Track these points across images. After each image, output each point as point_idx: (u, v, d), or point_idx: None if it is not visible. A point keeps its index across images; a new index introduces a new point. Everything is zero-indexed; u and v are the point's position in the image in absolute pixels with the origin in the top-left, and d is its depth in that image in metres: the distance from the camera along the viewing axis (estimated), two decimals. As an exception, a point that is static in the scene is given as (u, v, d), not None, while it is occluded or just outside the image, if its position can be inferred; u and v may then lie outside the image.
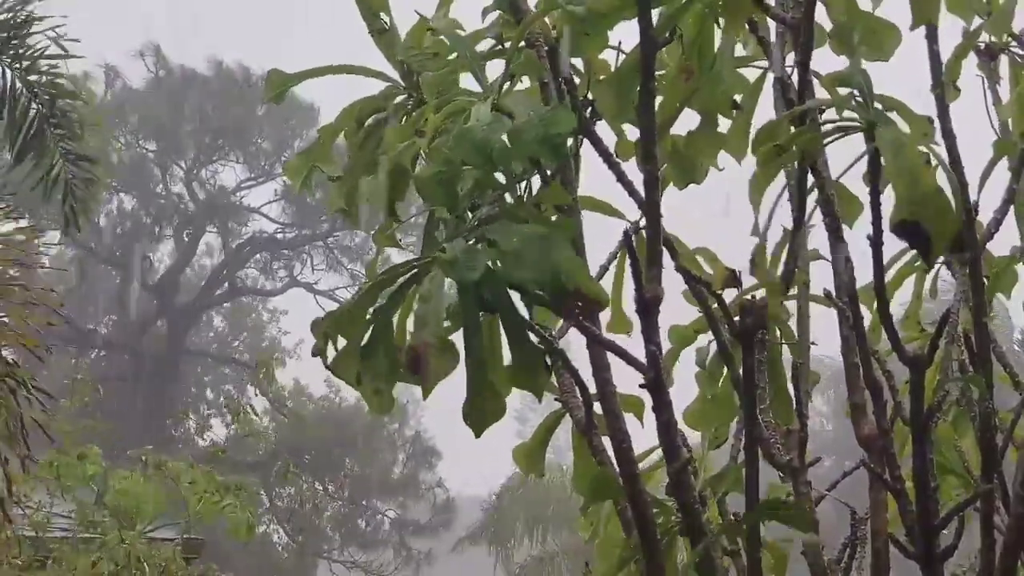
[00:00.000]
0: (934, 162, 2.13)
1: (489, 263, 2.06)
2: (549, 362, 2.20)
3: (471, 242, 2.10)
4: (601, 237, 2.68)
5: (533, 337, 2.14)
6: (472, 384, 2.13)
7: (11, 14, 11.30)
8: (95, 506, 11.17)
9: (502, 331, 2.14)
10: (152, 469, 11.87)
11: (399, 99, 2.69)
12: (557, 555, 32.65)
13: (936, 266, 3.08)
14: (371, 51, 2.78)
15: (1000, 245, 2.93)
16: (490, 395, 2.14)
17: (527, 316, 2.18)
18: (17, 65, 11.31)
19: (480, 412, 2.14)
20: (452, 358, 2.06)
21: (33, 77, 11.34)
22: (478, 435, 2.17)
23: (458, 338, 2.14)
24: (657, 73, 2.37)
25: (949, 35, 2.81)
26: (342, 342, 2.20)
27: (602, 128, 2.67)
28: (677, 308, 2.74)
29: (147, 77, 43.81)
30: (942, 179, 2.12)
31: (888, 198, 2.15)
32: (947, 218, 2.07)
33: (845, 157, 2.40)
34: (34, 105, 11.23)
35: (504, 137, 2.12)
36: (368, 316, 2.18)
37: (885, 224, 2.28)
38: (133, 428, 37.66)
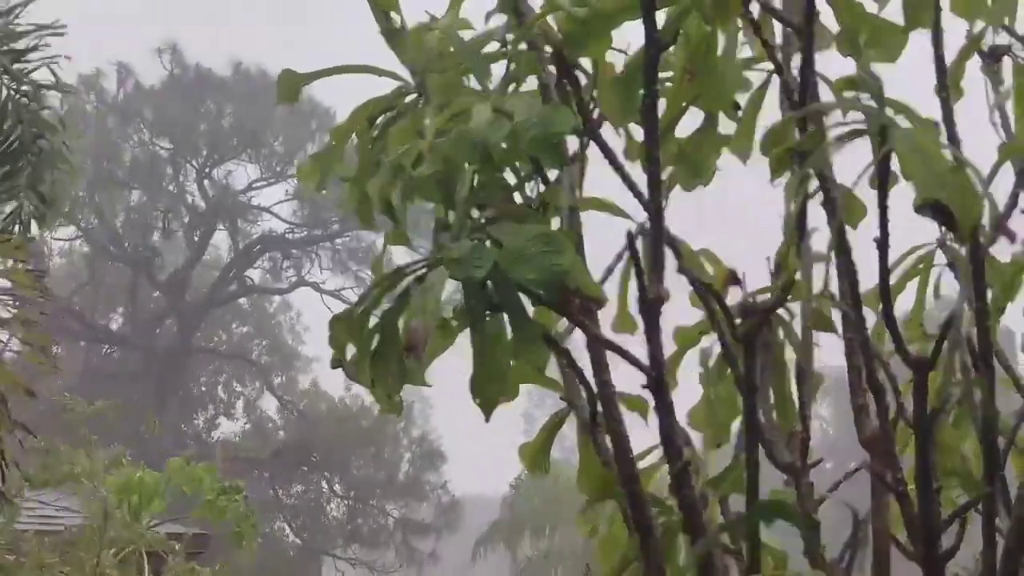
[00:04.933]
0: (949, 155, 2.14)
1: (494, 261, 2.08)
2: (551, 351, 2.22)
3: (475, 241, 2.12)
4: (611, 237, 2.69)
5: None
6: (478, 360, 2.14)
7: (15, 41, 11.27)
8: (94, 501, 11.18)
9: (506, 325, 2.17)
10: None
11: (410, 99, 2.70)
12: (563, 550, 32.64)
13: (939, 269, 3.08)
14: (389, 54, 2.79)
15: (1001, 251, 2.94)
16: (496, 369, 2.15)
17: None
18: (15, 87, 11.30)
19: (487, 387, 2.16)
20: (448, 336, 2.08)
21: (27, 103, 11.31)
22: (488, 415, 2.19)
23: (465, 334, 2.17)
24: (662, 75, 2.39)
25: (950, 40, 2.82)
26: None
27: (609, 129, 2.68)
28: (683, 309, 2.75)
29: (163, 75, 43.91)
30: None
31: (897, 197, 2.17)
32: (970, 193, 2.07)
33: (845, 159, 2.41)
34: (19, 129, 11.20)
35: (503, 136, 2.14)
36: (376, 320, 2.20)
37: (890, 227, 2.30)
38: (141, 424, 37.72)
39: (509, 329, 2.17)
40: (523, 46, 2.40)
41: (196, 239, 45.19)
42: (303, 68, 2.79)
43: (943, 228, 2.46)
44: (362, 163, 2.72)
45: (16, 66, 11.30)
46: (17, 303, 7.42)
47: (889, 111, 2.26)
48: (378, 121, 2.72)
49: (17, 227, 11.33)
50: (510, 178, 2.37)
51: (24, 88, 11.28)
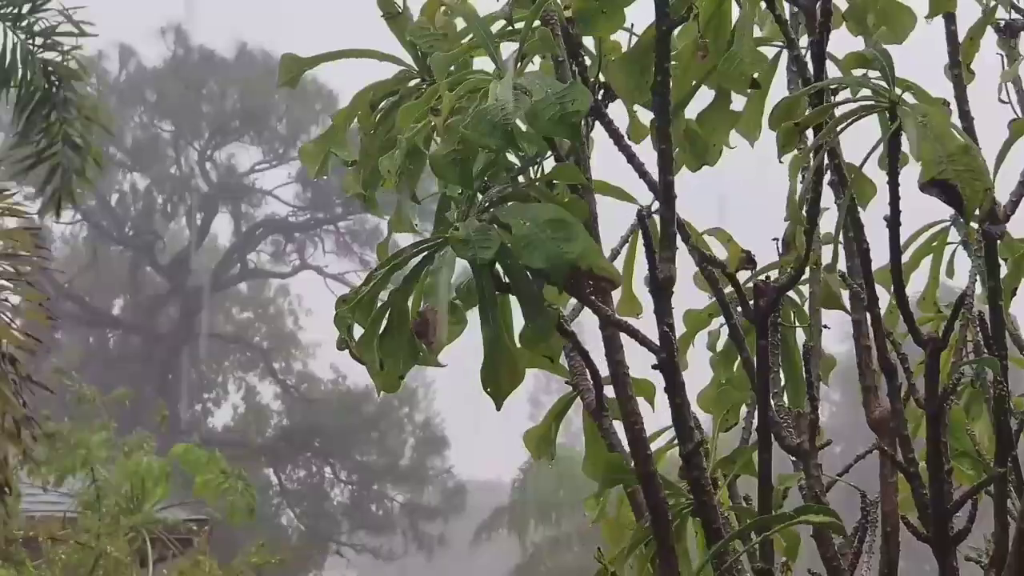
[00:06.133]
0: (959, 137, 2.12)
1: (502, 243, 2.06)
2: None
3: (483, 222, 2.10)
4: (612, 222, 2.68)
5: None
6: (489, 351, 2.13)
7: None
8: (91, 489, 11.19)
9: (513, 305, 2.15)
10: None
11: (413, 83, 2.68)
12: (572, 535, 32.69)
13: (953, 247, 3.07)
14: (386, 35, 2.77)
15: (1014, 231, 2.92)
16: (507, 361, 2.14)
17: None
18: (31, 41, 11.29)
19: (498, 378, 2.15)
20: (459, 322, 2.07)
21: (48, 55, 11.32)
22: (499, 405, 2.18)
23: (472, 316, 2.16)
24: (671, 53, 2.36)
25: (966, 17, 2.81)
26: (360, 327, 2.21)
27: (613, 110, 2.67)
28: (692, 292, 2.74)
29: (165, 57, 43.86)
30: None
31: (906, 177, 2.15)
32: (978, 173, 2.06)
33: (856, 140, 2.39)
34: (43, 84, 11.19)
35: (522, 117, 2.12)
36: (384, 300, 2.19)
37: (902, 204, 2.28)
38: (145, 409, 37.78)
39: (517, 308, 2.16)
40: (536, 23, 2.38)
41: (198, 222, 45.16)
42: (306, 50, 2.79)
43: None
44: (364, 148, 2.71)
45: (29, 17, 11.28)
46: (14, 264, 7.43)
47: (898, 89, 2.24)
48: (381, 106, 2.71)
49: (59, 191, 11.26)
50: (515, 158, 2.35)
51: (39, 40, 11.25)
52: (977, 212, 2.22)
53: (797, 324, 2.87)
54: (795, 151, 2.30)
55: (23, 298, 7.48)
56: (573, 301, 2.53)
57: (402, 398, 41.39)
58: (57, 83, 11.29)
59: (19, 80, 11.22)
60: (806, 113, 2.35)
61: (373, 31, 2.87)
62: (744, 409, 2.96)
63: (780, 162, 2.33)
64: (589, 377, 2.61)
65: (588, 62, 2.60)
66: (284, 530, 41.47)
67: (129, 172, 43.67)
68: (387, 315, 2.20)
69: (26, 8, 11.26)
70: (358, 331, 2.25)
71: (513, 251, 2.06)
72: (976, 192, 2.05)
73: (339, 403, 42.77)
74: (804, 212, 2.37)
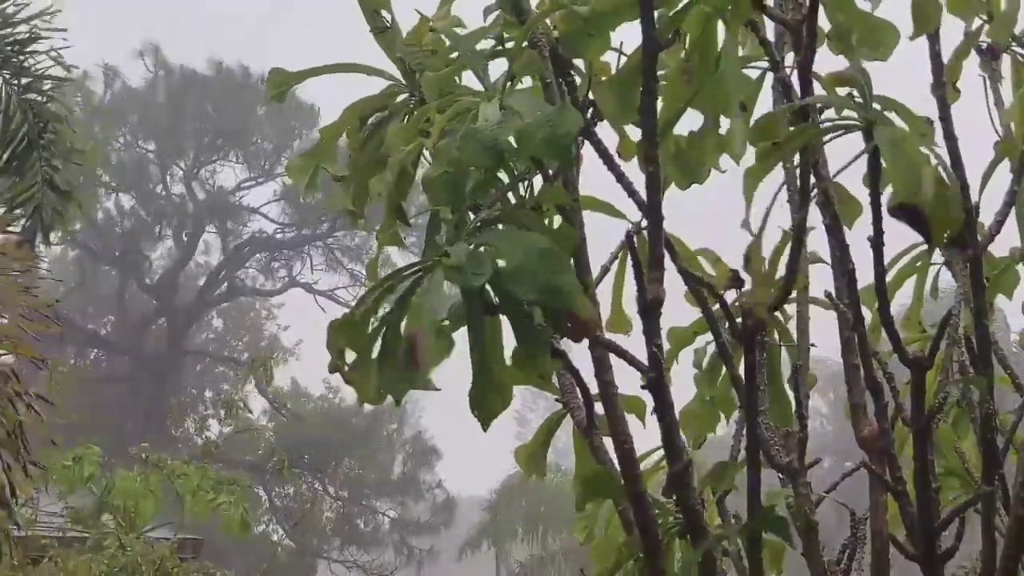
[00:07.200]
0: (934, 161, 2.13)
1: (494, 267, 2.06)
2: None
3: (473, 246, 2.10)
4: (604, 236, 2.69)
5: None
6: (478, 374, 2.13)
7: (12, 29, 11.31)
8: (94, 506, 11.15)
9: (504, 326, 2.15)
10: (151, 467, 11.83)
11: (401, 98, 2.68)
12: (557, 555, 32.62)
13: (937, 267, 3.08)
14: (370, 49, 2.78)
15: (1001, 248, 2.94)
16: (496, 384, 2.14)
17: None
18: (15, 82, 11.33)
19: (486, 402, 2.14)
20: (447, 343, 2.06)
21: (30, 96, 11.36)
22: (486, 427, 2.17)
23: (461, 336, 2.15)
24: (659, 74, 2.37)
25: (950, 36, 2.82)
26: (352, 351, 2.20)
27: (603, 128, 2.67)
28: (677, 309, 2.74)
29: (147, 77, 43.84)
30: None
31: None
32: (946, 201, 2.07)
33: (845, 160, 2.40)
34: (26, 125, 11.23)
35: (511, 138, 2.12)
36: (375, 324, 2.18)
37: (885, 225, 2.29)
38: (133, 428, 37.64)
39: (511, 335, 2.15)
40: (524, 44, 2.38)
41: (185, 241, 45.08)
42: (284, 64, 2.79)
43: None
44: (353, 163, 2.71)
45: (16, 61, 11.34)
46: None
47: (878, 107, 2.25)
48: (369, 121, 2.71)
49: (38, 229, 11.29)
50: (503, 177, 2.35)
51: (24, 80, 11.29)
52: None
53: (781, 343, 2.88)
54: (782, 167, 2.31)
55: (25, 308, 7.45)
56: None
57: (392, 413, 41.36)
58: (41, 125, 11.32)
59: (3, 119, 11.27)
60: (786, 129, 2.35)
61: (354, 43, 2.87)
62: (733, 427, 2.97)
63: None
64: (580, 395, 2.61)
65: (578, 80, 2.61)
66: (274, 547, 41.31)
67: (115, 193, 43.58)
68: (381, 338, 2.19)
69: (10, 49, 11.30)
70: (351, 355, 2.24)
71: (505, 280, 2.06)
72: (943, 222, 2.06)
73: (327, 418, 42.67)
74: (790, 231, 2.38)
